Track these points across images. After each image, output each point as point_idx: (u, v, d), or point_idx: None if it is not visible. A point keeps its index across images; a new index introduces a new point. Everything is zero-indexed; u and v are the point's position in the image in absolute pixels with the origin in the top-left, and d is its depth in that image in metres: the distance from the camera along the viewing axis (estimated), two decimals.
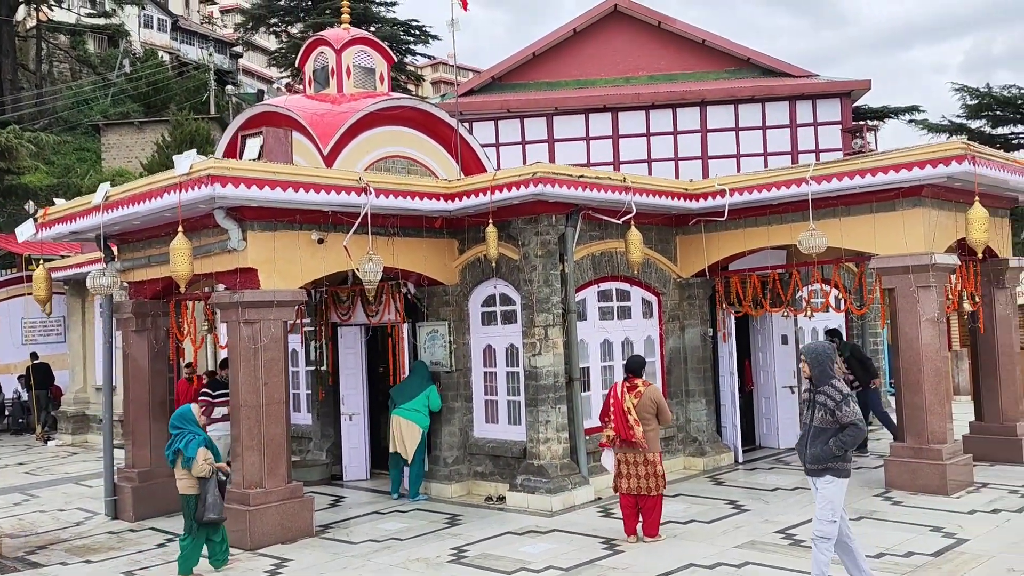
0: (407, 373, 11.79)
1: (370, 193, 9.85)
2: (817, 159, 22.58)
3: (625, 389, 8.83)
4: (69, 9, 44.95)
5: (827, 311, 13.08)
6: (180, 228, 8.92)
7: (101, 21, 45.61)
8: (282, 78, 61.79)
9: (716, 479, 11.84)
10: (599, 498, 10.63)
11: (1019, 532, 8.55)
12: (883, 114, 32.11)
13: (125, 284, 11.24)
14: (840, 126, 23.86)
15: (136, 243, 10.89)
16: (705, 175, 23.42)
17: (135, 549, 9.43)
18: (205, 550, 8.37)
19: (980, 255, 10.56)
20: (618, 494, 9.01)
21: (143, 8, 54.33)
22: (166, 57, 53.93)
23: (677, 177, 23.55)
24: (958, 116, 28.89)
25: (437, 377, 11.66)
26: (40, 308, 11.29)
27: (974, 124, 29.01)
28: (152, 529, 10.31)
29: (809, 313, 12.40)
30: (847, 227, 10.94)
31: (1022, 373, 12.69)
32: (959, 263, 10.93)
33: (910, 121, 30.91)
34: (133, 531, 10.27)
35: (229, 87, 56.62)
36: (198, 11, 69.80)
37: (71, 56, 48.36)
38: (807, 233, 10.55)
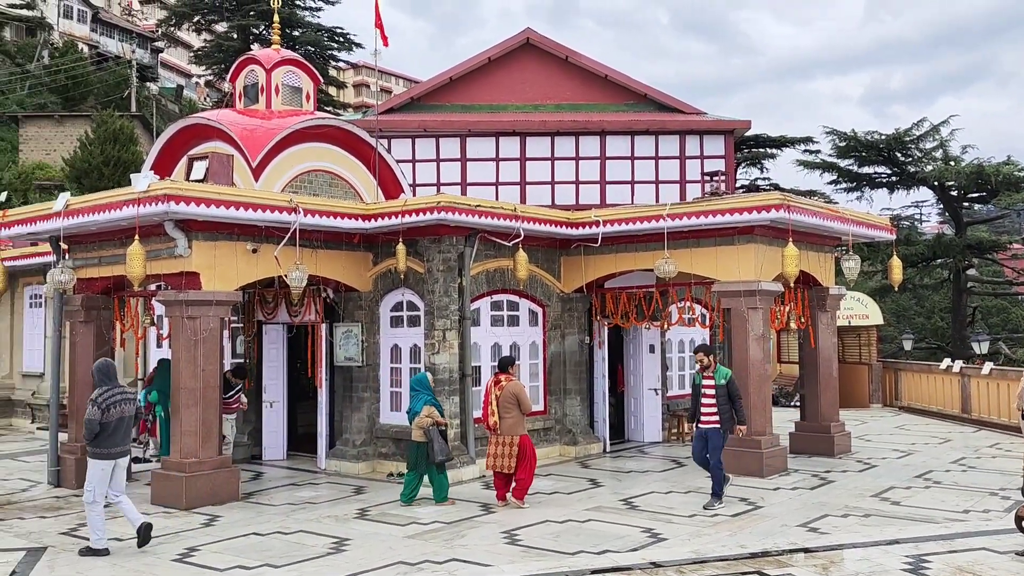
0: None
1: (299, 212, 11.68)
2: (702, 190, 25.32)
3: (493, 384, 10.89)
4: None
5: (691, 326, 15.56)
6: (137, 236, 10.57)
7: (24, 12, 45.39)
8: (203, 75, 62.21)
9: (584, 464, 14.06)
10: (483, 476, 12.67)
11: (805, 502, 10.98)
12: (781, 143, 35.40)
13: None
14: (723, 159, 26.72)
15: (88, 245, 12.40)
16: (603, 199, 25.90)
17: (81, 509, 10.92)
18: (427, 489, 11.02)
19: (793, 284, 13.06)
20: (491, 470, 11.05)
21: None
22: (86, 49, 53.77)
23: (578, 199, 26.01)
24: (829, 155, 32.34)
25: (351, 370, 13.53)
26: None
27: (844, 163, 32.49)
28: None
29: (666, 326, 14.76)
30: (696, 257, 13.31)
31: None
32: (782, 290, 13.43)
33: (805, 151, 34.33)
34: (76, 496, 11.75)
35: (150, 84, 56.66)
36: (119, 3, 69.28)
37: None
38: (662, 260, 12.89)
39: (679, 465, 13.83)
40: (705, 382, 10.90)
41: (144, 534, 8.94)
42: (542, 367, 14.65)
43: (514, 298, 14.20)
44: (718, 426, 10.75)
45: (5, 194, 26.64)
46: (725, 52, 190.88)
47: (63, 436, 12.96)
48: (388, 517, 10.33)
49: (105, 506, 8.99)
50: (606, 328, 15.23)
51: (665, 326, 15.02)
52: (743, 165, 35.21)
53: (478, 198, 13.19)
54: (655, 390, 16.46)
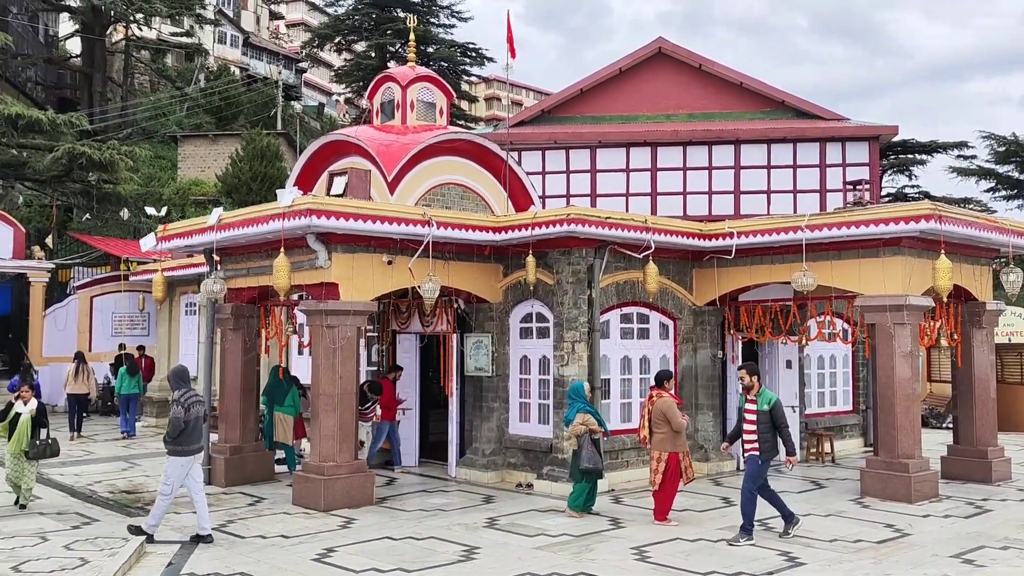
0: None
1: (432, 225, 11.96)
2: (844, 200, 24.22)
3: (647, 399, 10.81)
4: (151, 27, 48.27)
5: (832, 341, 14.90)
6: (282, 249, 11.11)
7: (184, 39, 48.79)
8: (343, 93, 65.05)
9: (716, 481, 13.67)
10: (612, 489, 12.56)
11: (958, 531, 10.26)
12: (931, 148, 33.44)
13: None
14: (867, 167, 25.47)
15: (237, 256, 13.14)
16: (737, 210, 25.20)
17: (230, 506, 11.62)
18: None
19: (945, 299, 12.26)
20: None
21: (218, 25, 57.81)
22: (237, 72, 57.21)
23: (711, 210, 25.41)
24: (986, 161, 30.28)
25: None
26: (141, 305, 13.59)
27: (1003, 169, 30.34)
28: (241, 493, 12.52)
29: (804, 341, 14.18)
30: (837, 269, 12.73)
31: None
32: (933, 305, 12.64)
33: (958, 156, 32.29)
34: (225, 494, 12.47)
35: (294, 103, 59.63)
36: (267, 28, 73.40)
37: (151, 69, 51.83)
38: (799, 273, 12.40)
39: (818, 486, 13.24)
40: (747, 405, 10.02)
41: (197, 541, 9.61)
42: (673, 381, 14.33)
43: (644, 311, 14.01)
44: (756, 453, 9.91)
45: (166, 209, 28.61)
46: (869, 55, 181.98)
47: (213, 436, 13.74)
48: (517, 527, 10.38)
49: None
50: (740, 342, 14.78)
51: (803, 341, 14.45)
52: (889, 173, 33.47)
53: (608, 210, 13.13)
54: (792, 407, 15.80)
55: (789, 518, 10.00)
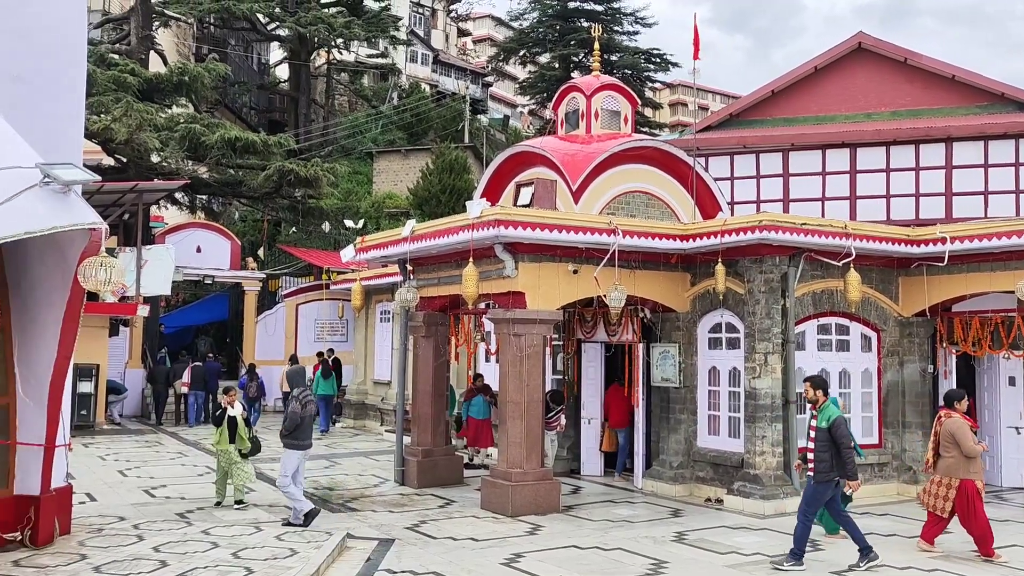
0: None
1: (617, 234, 11.85)
2: None
3: (936, 420, 10.06)
4: (349, 51, 51.45)
5: None
6: (471, 258, 11.40)
7: (380, 60, 51.62)
8: (527, 105, 66.32)
9: None
10: None
11: None
12: None
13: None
14: None
15: (428, 266, 13.63)
16: (948, 213, 23.23)
17: (422, 507, 12.04)
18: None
19: None
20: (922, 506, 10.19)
21: (410, 45, 60.70)
22: (427, 88, 59.73)
23: (918, 213, 23.58)
24: None
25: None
26: (340, 312, 14.36)
27: None
28: (432, 495, 12.94)
29: None
30: None
31: None
32: None
33: None
34: (418, 495, 12.94)
35: (480, 116, 61.47)
36: (456, 45, 76.20)
37: (349, 90, 55.19)
38: None
39: None
40: (811, 422, 9.39)
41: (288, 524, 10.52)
42: (876, 397, 13.41)
43: (844, 321, 13.19)
44: (811, 475, 9.20)
45: (362, 221, 30.29)
46: None
47: (407, 439, 14.31)
48: (706, 544, 10.04)
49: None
50: (953, 356, 13.59)
51: None
52: None
53: (803, 215, 12.52)
54: (1016, 428, 14.33)
55: (866, 551, 9.16)
